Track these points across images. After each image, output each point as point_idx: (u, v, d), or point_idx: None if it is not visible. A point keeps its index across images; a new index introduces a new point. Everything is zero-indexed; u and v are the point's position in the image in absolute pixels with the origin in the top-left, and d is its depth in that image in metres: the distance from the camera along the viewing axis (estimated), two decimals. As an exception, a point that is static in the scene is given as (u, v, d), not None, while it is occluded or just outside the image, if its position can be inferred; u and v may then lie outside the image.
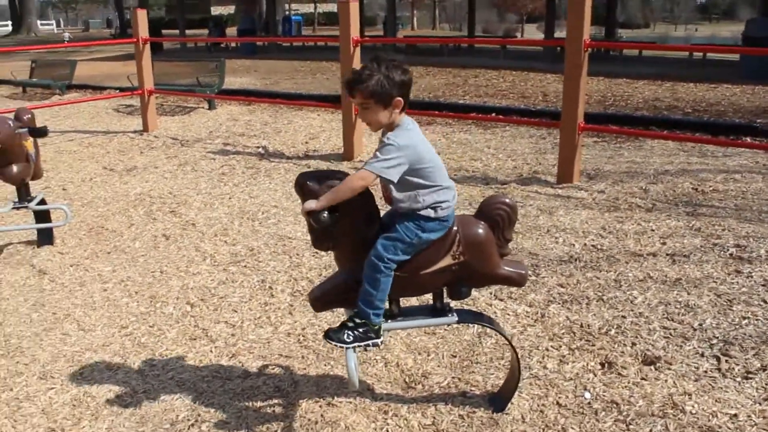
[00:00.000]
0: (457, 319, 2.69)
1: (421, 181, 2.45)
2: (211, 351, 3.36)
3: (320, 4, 59.21)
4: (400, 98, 2.42)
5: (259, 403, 2.89)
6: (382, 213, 2.59)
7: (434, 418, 2.75)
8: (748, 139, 7.68)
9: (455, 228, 2.55)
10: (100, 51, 25.93)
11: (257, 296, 3.95)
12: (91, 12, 72.72)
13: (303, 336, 3.46)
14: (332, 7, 68.60)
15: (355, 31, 6.98)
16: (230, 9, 56.26)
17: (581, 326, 3.43)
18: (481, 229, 2.57)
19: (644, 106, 10.16)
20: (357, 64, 7.07)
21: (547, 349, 3.23)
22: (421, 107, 9.81)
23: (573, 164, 6.00)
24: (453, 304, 2.73)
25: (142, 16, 8.78)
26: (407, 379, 3.05)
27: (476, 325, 3.41)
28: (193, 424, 2.78)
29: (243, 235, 4.98)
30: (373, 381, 3.03)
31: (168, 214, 5.53)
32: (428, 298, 2.75)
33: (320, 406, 2.83)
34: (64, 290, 4.18)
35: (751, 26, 14.42)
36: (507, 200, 2.64)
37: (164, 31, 29.29)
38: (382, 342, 2.56)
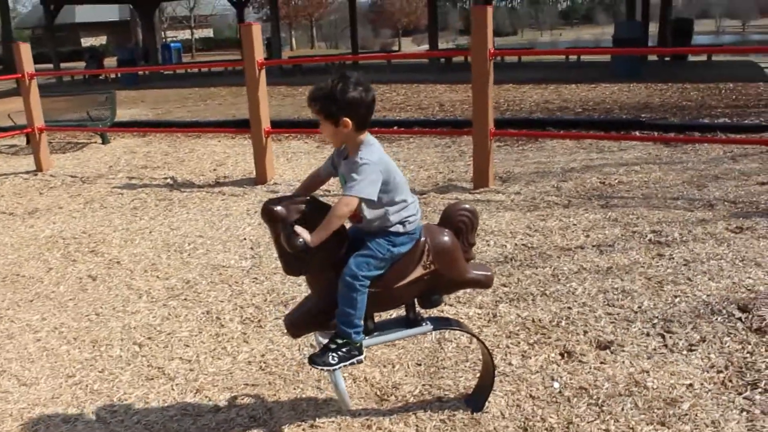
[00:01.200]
0: (432, 327, 2.76)
1: (390, 197, 2.49)
2: (172, 389, 3.25)
3: (196, 29, 58.19)
4: (347, 119, 2.43)
5: (237, 435, 2.83)
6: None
7: (417, 426, 2.79)
8: (637, 133, 8.26)
9: (423, 238, 2.62)
10: (-36, 91, 24.32)
11: (206, 328, 3.86)
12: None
13: (264, 363, 3.42)
14: (208, 32, 67.60)
15: (259, 54, 6.95)
16: (102, 39, 54.28)
17: (533, 321, 3.58)
18: (447, 237, 2.66)
19: (537, 108, 10.68)
20: (263, 86, 7.04)
21: (508, 347, 3.35)
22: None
23: (487, 169, 6.23)
24: (423, 312, 2.79)
25: (25, 50, 8.35)
26: (379, 392, 3.08)
27: (435, 332, 3.48)
28: (173, 466, 2.69)
29: (174, 268, 4.84)
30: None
31: (88, 254, 5.29)
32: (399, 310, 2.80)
33: (303, 430, 2.81)
34: (-8, 345, 3.91)
35: (620, 29, 15.47)
36: (468, 206, 2.75)
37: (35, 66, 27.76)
38: (365, 357, 2.59)
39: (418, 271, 2.60)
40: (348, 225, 2.59)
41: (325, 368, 2.51)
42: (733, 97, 10.90)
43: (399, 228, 2.53)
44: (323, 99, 2.44)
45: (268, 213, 2.44)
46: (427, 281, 2.62)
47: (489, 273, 2.80)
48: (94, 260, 5.15)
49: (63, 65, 31.39)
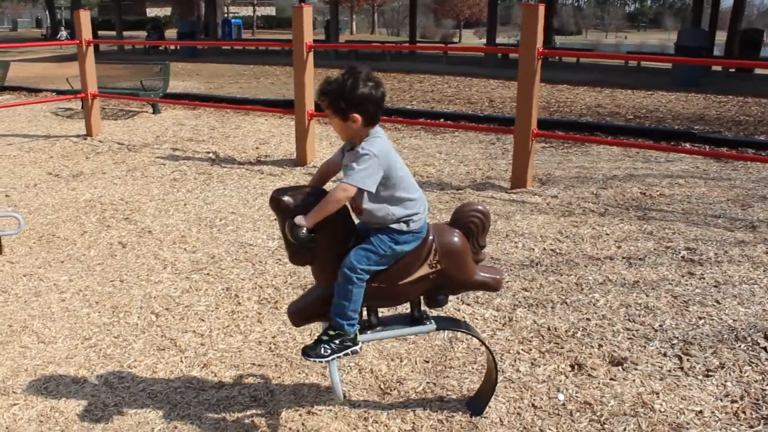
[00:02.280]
0: (435, 326, 2.73)
1: (390, 192, 2.46)
2: (181, 361, 3.30)
3: (258, 7, 58.70)
4: (357, 114, 2.39)
5: (236, 414, 2.86)
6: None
7: (413, 423, 2.78)
8: (688, 145, 8.02)
9: (431, 237, 2.58)
10: (31, 52, 25.07)
11: (223, 305, 3.90)
12: (18, 11, 70.04)
13: (274, 344, 3.44)
14: (270, 11, 68.15)
15: (308, 36, 6.97)
16: (166, 11, 55.23)
17: (548, 329, 3.51)
18: (456, 238, 2.62)
19: (587, 112, 10.47)
20: (310, 68, 7.06)
21: (518, 353, 3.30)
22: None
23: (526, 170, 6.14)
24: (429, 311, 2.76)
25: (85, 18, 8.54)
26: (382, 386, 3.07)
27: (447, 331, 3.45)
28: (170, 437, 2.73)
29: (202, 242, 4.91)
30: (348, 388, 3.04)
31: (122, 221, 5.40)
32: (405, 307, 2.78)
33: (300, 415, 2.82)
34: (19, 301, 4.03)
35: (683, 36, 15.03)
36: (480, 207, 2.69)
37: (99, 33, 28.49)
38: (360, 349, 2.58)
39: (424, 270, 2.57)
40: (356, 220, 2.58)
41: (318, 360, 2.51)
42: (796, 115, 10.50)
43: (402, 226, 2.49)
44: (332, 94, 2.41)
45: (275, 202, 2.44)
46: (433, 280, 2.59)
47: (498, 276, 2.75)
48: (127, 227, 5.25)
49: (127, 34, 32.10)
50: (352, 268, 2.45)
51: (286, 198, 2.42)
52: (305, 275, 4.23)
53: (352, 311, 2.49)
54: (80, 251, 4.80)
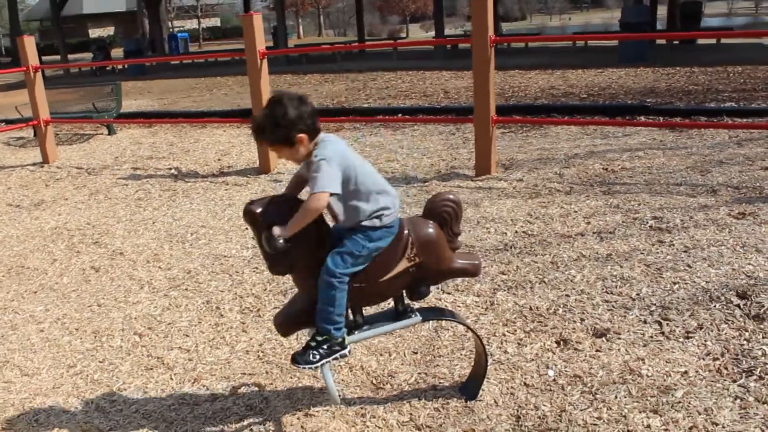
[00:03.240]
0: (421, 318, 2.77)
1: (354, 189, 2.48)
2: (170, 378, 3.28)
3: (203, 19, 58.12)
4: (302, 135, 2.42)
5: (234, 425, 2.86)
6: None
7: (411, 414, 2.81)
8: (643, 118, 8.20)
9: (406, 231, 2.61)
10: (-27, 83, 24.44)
11: (206, 318, 3.89)
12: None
13: (262, 352, 3.44)
14: (215, 22, 67.49)
15: (261, 44, 6.95)
16: (109, 30, 54.36)
17: (530, 309, 3.58)
18: (431, 229, 2.66)
19: (542, 95, 10.62)
20: (265, 75, 7.05)
21: (504, 335, 3.36)
22: (327, 114, 9.87)
23: (489, 156, 6.22)
24: (413, 304, 2.80)
25: (30, 43, 8.39)
26: (374, 381, 3.10)
27: (432, 321, 3.49)
28: (170, 455, 2.72)
29: (176, 258, 4.87)
30: (342, 386, 3.06)
31: (91, 245, 5.33)
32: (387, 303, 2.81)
33: (298, 418, 2.83)
34: (-4, 336, 3.96)
35: (627, 13, 15.33)
36: (451, 197, 2.74)
37: (43, 57, 27.91)
38: (349, 352, 2.61)
39: (403, 264, 2.61)
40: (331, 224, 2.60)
41: (308, 367, 2.53)
42: (741, 80, 10.81)
43: (375, 222, 2.52)
44: (271, 130, 2.43)
45: (249, 215, 2.46)
46: (413, 273, 2.63)
47: (476, 261, 2.80)
48: (98, 251, 5.19)
49: (71, 56, 31.50)
50: (331, 273, 2.47)
51: (259, 210, 2.43)
52: (284, 281, 4.24)
53: (337, 315, 2.52)
54: (53, 280, 4.73)
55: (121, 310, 4.11)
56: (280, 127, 2.40)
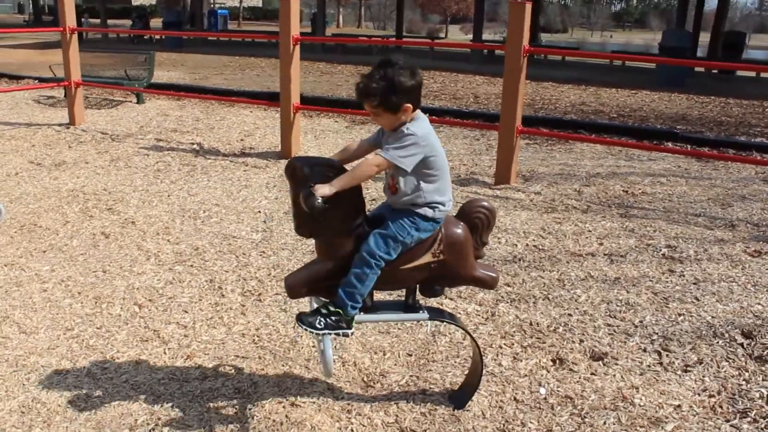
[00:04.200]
0: (428, 315, 2.75)
1: (426, 174, 2.48)
2: (164, 353, 3.29)
3: (245, -2, 58.37)
4: (409, 104, 2.42)
5: (220, 405, 2.86)
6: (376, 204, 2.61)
7: (396, 416, 2.79)
8: (670, 145, 8.10)
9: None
10: (11, 38, 24.74)
11: (207, 296, 3.90)
12: (-1, -4, 69.00)
13: (258, 336, 3.44)
14: (257, 2, 67.79)
15: (295, 29, 6.95)
16: (152, 0, 54.79)
17: (531, 324, 3.55)
18: (461, 230, 2.64)
19: (572, 110, 10.53)
20: (296, 61, 7.05)
21: (501, 347, 3.33)
22: (354, 106, 9.83)
23: (510, 166, 6.17)
24: (423, 301, 2.78)
25: (69, 4, 8.44)
26: (366, 378, 3.08)
27: (430, 324, 3.48)
28: (153, 429, 2.72)
29: (186, 233, 4.89)
30: (332, 380, 3.05)
31: (105, 211, 5.36)
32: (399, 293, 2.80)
33: (284, 407, 2.83)
34: (0, 291, 4.00)
35: (667, 37, 15.15)
36: (486, 204, 2.71)
37: (83, 20, 28.18)
38: (352, 333, 2.59)
39: (426, 258, 2.59)
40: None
41: (309, 329, 2.51)
42: (776, 117, 10.64)
43: (427, 211, 2.51)
44: (383, 92, 2.40)
45: (292, 168, 2.44)
46: (433, 269, 2.61)
47: (495, 275, 2.77)
48: (110, 218, 5.22)
49: (111, 22, 31.79)
50: (371, 253, 2.46)
51: (302, 166, 2.42)
52: (290, 267, 4.24)
53: (360, 294, 2.51)
54: (62, 241, 4.77)
55: (125, 278, 4.13)
56: (395, 92, 2.39)
